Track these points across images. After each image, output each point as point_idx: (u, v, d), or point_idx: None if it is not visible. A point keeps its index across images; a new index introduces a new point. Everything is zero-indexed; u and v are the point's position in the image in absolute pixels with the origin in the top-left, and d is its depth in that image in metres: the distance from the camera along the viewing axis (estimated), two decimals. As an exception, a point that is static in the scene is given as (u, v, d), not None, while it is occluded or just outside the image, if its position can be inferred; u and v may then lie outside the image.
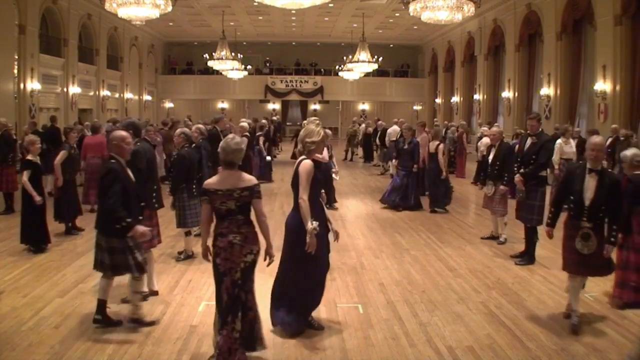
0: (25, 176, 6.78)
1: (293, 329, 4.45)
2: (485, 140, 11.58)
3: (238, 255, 3.79)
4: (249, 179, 3.88)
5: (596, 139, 4.85)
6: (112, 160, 4.47)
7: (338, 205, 10.50)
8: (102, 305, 4.58)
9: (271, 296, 4.59)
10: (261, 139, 13.62)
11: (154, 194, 5.37)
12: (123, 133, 4.62)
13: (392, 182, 10.63)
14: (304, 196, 4.22)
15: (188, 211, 6.71)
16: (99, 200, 4.57)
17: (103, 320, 4.56)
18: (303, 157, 4.39)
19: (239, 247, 3.79)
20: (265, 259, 3.96)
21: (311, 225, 4.13)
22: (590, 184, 4.59)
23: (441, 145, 10.13)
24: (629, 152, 5.21)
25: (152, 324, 4.64)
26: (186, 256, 6.75)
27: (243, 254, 3.80)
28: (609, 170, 4.66)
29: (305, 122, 6.92)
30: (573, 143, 10.06)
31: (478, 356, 4.16)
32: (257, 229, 3.94)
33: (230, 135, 4.07)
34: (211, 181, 3.89)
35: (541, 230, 7.03)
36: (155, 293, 5.33)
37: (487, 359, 4.13)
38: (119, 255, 4.43)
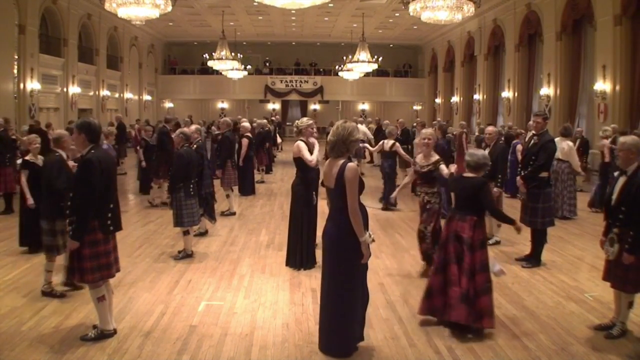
0: (23, 177, 6.73)
1: (342, 352, 4.13)
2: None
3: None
4: None
5: (622, 138, 4.61)
6: None
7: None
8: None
9: (320, 319, 4.24)
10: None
11: (110, 214, 4.32)
12: None
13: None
14: (355, 204, 3.93)
15: (185, 210, 6.71)
16: None
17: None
18: (344, 160, 4.00)
19: None
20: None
21: (369, 237, 3.98)
22: (618, 185, 4.47)
23: (397, 144, 9.87)
24: None
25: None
26: (185, 255, 6.74)
27: None
28: None
29: (298, 121, 6.83)
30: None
31: (478, 356, 4.16)
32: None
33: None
34: None
35: (551, 232, 7.03)
36: (114, 332, 4.44)
37: (487, 359, 4.13)
38: None
